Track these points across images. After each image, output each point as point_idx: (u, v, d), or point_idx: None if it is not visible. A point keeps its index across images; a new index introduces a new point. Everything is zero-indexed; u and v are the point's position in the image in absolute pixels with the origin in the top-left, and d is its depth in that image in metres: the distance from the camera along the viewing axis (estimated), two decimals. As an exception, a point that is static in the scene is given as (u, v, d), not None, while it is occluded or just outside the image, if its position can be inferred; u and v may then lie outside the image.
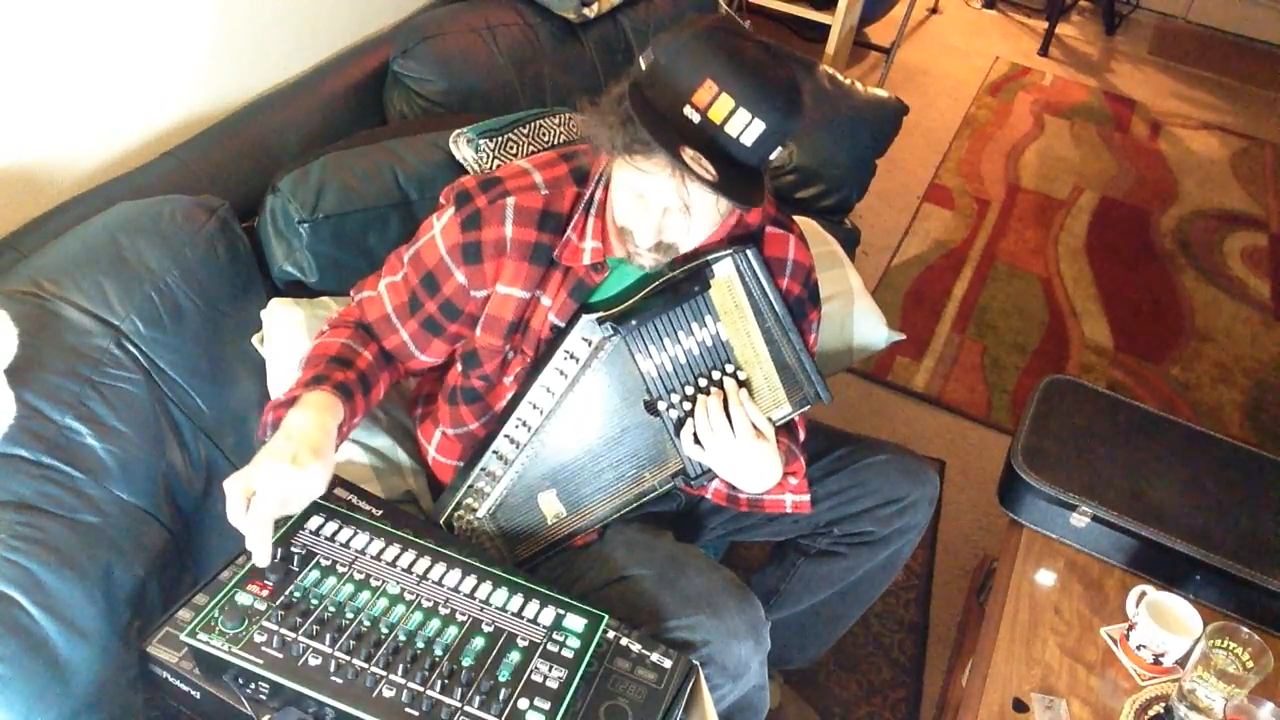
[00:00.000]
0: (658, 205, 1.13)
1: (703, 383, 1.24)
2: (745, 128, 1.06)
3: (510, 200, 1.23)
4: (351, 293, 1.35)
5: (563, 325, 1.25)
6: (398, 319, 1.29)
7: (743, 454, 1.22)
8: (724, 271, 1.23)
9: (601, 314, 1.23)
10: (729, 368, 1.24)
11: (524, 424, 1.27)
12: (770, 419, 1.26)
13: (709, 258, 1.22)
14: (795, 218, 1.92)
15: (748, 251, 1.22)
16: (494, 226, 1.22)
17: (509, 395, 1.31)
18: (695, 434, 1.24)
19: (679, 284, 1.23)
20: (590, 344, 1.24)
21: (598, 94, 1.15)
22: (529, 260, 1.24)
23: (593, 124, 1.13)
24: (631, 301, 1.24)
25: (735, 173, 1.08)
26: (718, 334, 1.24)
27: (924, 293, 2.98)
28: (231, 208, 1.42)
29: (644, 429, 1.27)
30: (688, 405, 1.24)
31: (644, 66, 1.09)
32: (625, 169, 1.12)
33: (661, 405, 1.25)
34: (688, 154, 1.03)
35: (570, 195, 1.25)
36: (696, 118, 1.05)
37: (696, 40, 1.07)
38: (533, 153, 1.61)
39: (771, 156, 1.12)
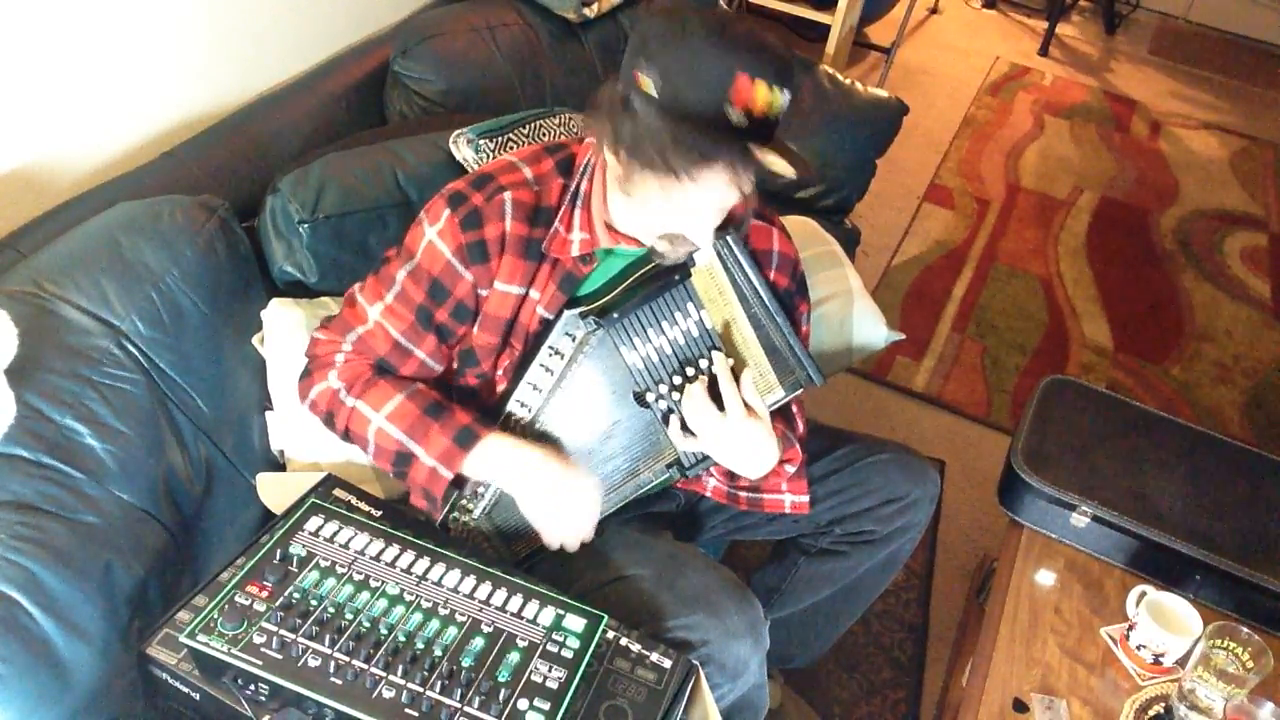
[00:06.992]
0: (714, 210, 1.14)
1: (691, 371, 1.24)
2: (779, 103, 1.07)
3: (507, 195, 1.22)
4: (330, 336, 1.28)
5: (551, 317, 1.25)
6: (410, 341, 1.26)
7: (735, 434, 1.22)
8: (705, 258, 1.23)
9: (584, 308, 1.23)
10: (716, 355, 1.24)
11: (514, 422, 1.27)
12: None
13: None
14: (795, 218, 1.93)
15: (728, 237, 1.22)
16: (495, 223, 1.22)
17: (499, 393, 1.31)
18: (685, 420, 1.24)
19: (660, 273, 1.23)
20: (574, 339, 1.24)
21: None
22: (523, 256, 1.24)
23: (615, 142, 1.11)
24: (614, 294, 1.23)
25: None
26: (702, 321, 1.24)
27: (924, 293, 2.98)
28: (231, 208, 1.41)
29: (636, 421, 1.27)
30: (677, 395, 1.24)
31: (650, 80, 1.05)
32: (678, 187, 1.09)
33: (650, 396, 1.25)
34: (754, 149, 1.05)
35: (556, 188, 1.25)
36: (741, 117, 1.05)
37: (700, 37, 1.04)
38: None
39: None
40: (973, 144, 3.78)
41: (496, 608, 1.09)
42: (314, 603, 1.05)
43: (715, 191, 1.11)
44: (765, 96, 1.05)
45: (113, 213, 1.32)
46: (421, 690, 0.99)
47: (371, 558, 1.11)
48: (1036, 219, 3.40)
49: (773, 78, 1.05)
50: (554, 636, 1.07)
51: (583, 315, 1.23)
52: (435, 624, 1.06)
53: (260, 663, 0.99)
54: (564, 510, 1.22)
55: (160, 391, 1.26)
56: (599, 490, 1.24)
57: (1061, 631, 1.45)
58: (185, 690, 1.04)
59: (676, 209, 1.14)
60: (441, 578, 1.11)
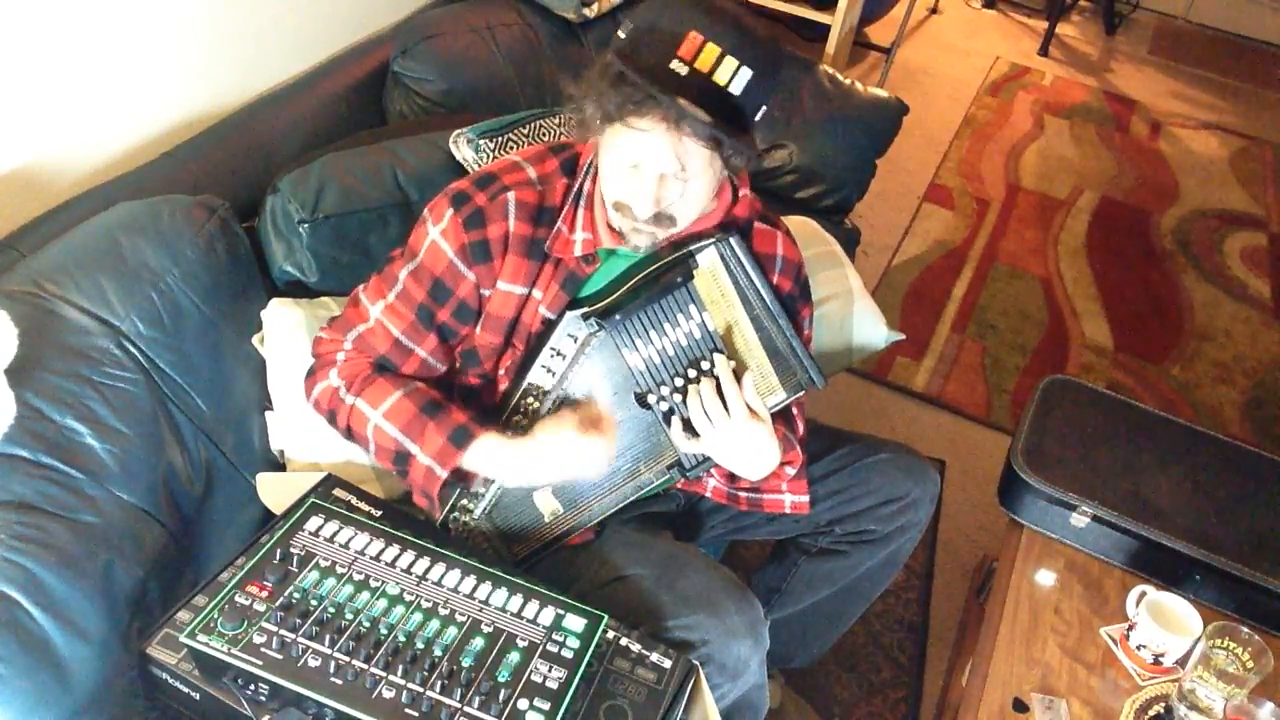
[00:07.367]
0: (654, 171, 1.13)
1: (693, 374, 1.24)
2: (733, 75, 1.08)
3: (511, 195, 1.23)
4: (333, 335, 1.29)
5: (553, 317, 1.26)
6: (411, 340, 1.26)
7: (739, 436, 1.22)
8: (707, 261, 1.23)
9: (586, 309, 1.23)
10: (718, 357, 1.24)
11: (515, 424, 1.27)
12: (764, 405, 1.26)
13: (692, 247, 1.22)
14: (795, 218, 1.93)
15: (730, 239, 1.22)
16: (498, 223, 1.22)
17: (501, 392, 1.31)
18: (690, 421, 1.23)
19: (662, 275, 1.23)
20: (576, 340, 1.24)
21: None
22: (526, 255, 1.24)
23: (580, 99, 1.13)
24: (616, 295, 1.23)
25: (728, 123, 1.09)
26: (704, 323, 1.23)
27: (924, 293, 2.98)
28: (231, 208, 1.41)
29: (637, 422, 1.27)
30: (678, 397, 1.24)
31: (623, 35, 1.10)
32: (618, 135, 1.12)
33: (651, 398, 1.25)
34: (682, 102, 1.04)
35: (560, 188, 1.25)
36: (684, 69, 1.06)
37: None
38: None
39: (758, 116, 1.13)
40: (973, 144, 3.78)
41: (496, 608, 1.09)
42: (314, 603, 1.05)
43: (650, 146, 1.10)
44: (712, 57, 1.06)
45: (113, 213, 1.32)
46: (421, 690, 0.99)
47: (371, 558, 1.11)
48: (1036, 219, 3.40)
49: (729, 47, 1.07)
50: (554, 636, 1.07)
51: (585, 316, 1.23)
52: (435, 624, 1.06)
53: (260, 663, 0.99)
54: (575, 472, 1.24)
55: (160, 391, 1.26)
56: (594, 436, 1.23)
57: (1061, 631, 1.45)
58: (185, 690, 1.04)
59: (619, 165, 1.14)
60: (441, 578, 1.11)
